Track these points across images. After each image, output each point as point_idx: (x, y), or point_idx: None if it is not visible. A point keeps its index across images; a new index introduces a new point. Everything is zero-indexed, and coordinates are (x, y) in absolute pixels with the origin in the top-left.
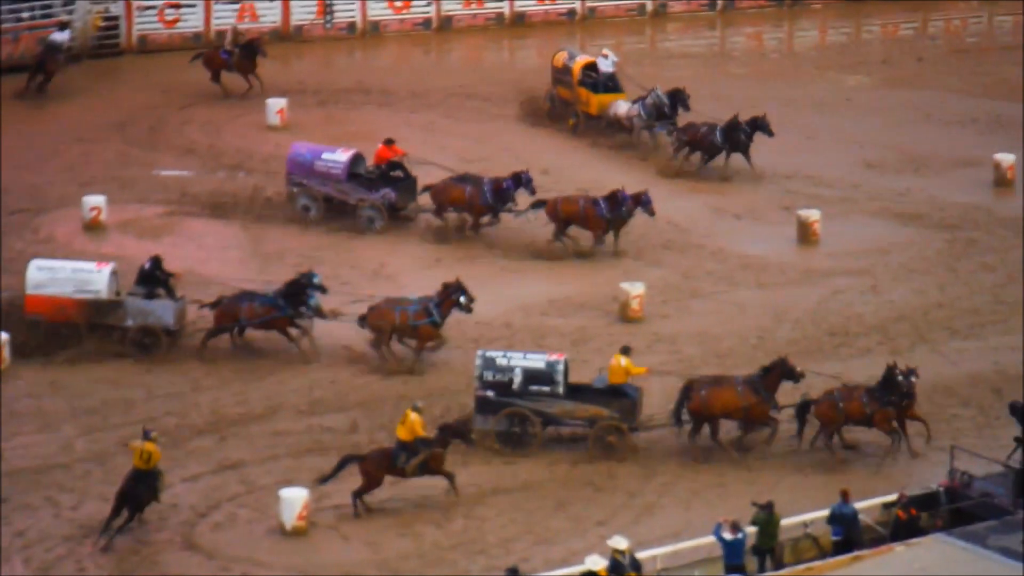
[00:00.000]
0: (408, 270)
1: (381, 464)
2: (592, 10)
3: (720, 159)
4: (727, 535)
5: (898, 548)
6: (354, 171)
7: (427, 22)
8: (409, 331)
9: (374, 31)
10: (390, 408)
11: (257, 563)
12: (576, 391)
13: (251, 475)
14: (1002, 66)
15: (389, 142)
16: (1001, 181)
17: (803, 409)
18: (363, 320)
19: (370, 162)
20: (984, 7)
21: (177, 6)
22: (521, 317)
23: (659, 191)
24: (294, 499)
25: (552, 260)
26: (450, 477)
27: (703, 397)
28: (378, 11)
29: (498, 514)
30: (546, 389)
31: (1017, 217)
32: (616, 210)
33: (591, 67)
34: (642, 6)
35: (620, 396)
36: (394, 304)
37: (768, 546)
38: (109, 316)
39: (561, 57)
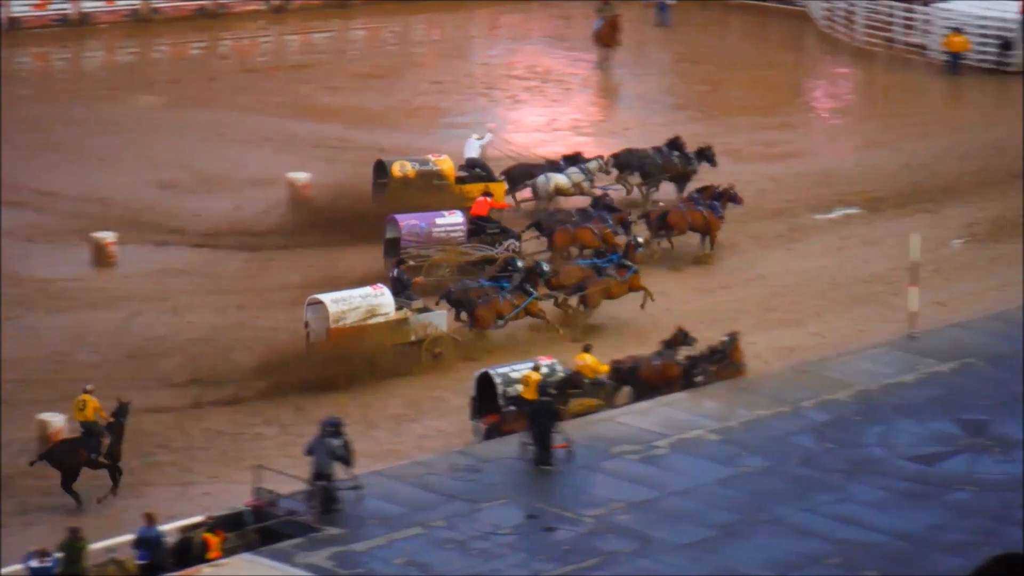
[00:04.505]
0: None
1: None
2: None
3: None
4: (35, 563)
5: (205, 570)
6: None
7: None
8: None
9: None
10: None
11: None
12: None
13: None
14: (293, 84)
15: (488, 195)
16: (296, 199)
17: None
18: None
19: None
20: (272, 26)
21: None
22: None
23: None
24: None
25: None
26: None
27: None
28: None
29: None
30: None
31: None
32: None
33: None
34: None
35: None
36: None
37: (74, 572)
38: (398, 335)
39: (406, 166)
